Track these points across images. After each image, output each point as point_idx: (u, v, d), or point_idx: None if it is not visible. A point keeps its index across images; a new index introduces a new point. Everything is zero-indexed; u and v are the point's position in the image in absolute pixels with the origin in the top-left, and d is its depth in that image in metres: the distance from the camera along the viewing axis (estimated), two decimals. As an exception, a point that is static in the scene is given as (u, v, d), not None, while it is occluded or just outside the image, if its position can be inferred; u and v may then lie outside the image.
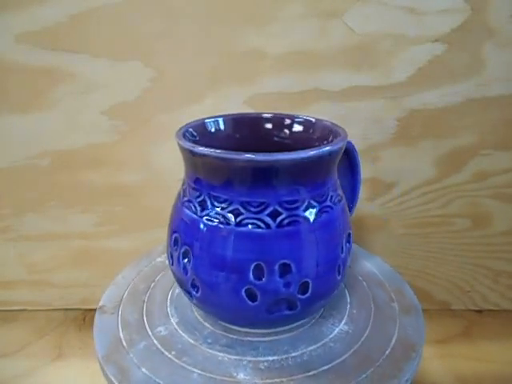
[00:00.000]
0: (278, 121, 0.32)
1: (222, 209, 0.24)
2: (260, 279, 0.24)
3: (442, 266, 0.49)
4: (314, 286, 0.25)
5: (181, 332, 0.29)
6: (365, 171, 0.44)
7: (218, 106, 0.41)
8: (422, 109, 0.41)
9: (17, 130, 0.42)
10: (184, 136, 0.27)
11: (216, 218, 0.25)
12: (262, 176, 0.23)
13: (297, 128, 0.31)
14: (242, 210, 0.24)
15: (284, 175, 0.24)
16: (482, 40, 0.39)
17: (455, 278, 0.49)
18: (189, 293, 0.27)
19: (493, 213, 0.46)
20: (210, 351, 0.27)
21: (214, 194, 0.25)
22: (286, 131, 0.32)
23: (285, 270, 0.24)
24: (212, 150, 0.23)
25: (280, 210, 0.24)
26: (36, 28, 0.38)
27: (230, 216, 0.24)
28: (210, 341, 0.28)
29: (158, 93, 0.40)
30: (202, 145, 0.24)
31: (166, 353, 0.27)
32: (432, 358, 0.45)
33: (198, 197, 0.25)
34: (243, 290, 0.25)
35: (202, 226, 0.25)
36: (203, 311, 0.29)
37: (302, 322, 0.30)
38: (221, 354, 0.27)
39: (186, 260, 0.26)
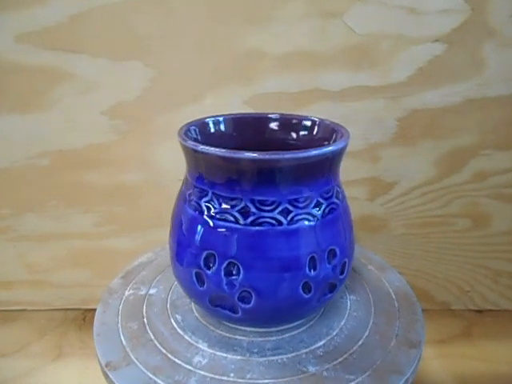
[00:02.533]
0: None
1: (271, 211, 0.24)
2: (314, 270, 0.25)
3: (441, 266, 0.49)
4: (348, 264, 0.28)
5: (221, 353, 0.27)
6: (365, 171, 0.44)
7: (217, 105, 0.41)
8: (422, 109, 0.41)
9: (17, 129, 0.42)
10: (217, 146, 0.25)
11: (265, 222, 0.24)
12: (308, 171, 0.24)
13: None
14: (291, 208, 0.24)
15: (323, 168, 0.25)
16: (482, 40, 0.39)
17: (455, 278, 0.49)
18: (232, 309, 0.26)
19: (493, 213, 0.46)
20: (265, 359, 0.26)
21: (259, 198, 0.24)
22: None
23: (331, 255, 0.26)
24: (274, 153, 0.23)
25: (321, 200, 0.25)
26: (36, 28, 0.38)
27: (280, 216, 0.24)
28: (255, 350, 0.27)
29: (157, 93, 0.40)
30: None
31: (225, 378, 0.25)
32: (432, 358, 0.45)
33: (237, 205, 0.25)
34: (300, 285, 0.25)
35: (249, 233, 0.24)
36: (247, 323, 0.28)
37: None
38: (278, 358, 0.27)
39: (231, 274, 0.25)
